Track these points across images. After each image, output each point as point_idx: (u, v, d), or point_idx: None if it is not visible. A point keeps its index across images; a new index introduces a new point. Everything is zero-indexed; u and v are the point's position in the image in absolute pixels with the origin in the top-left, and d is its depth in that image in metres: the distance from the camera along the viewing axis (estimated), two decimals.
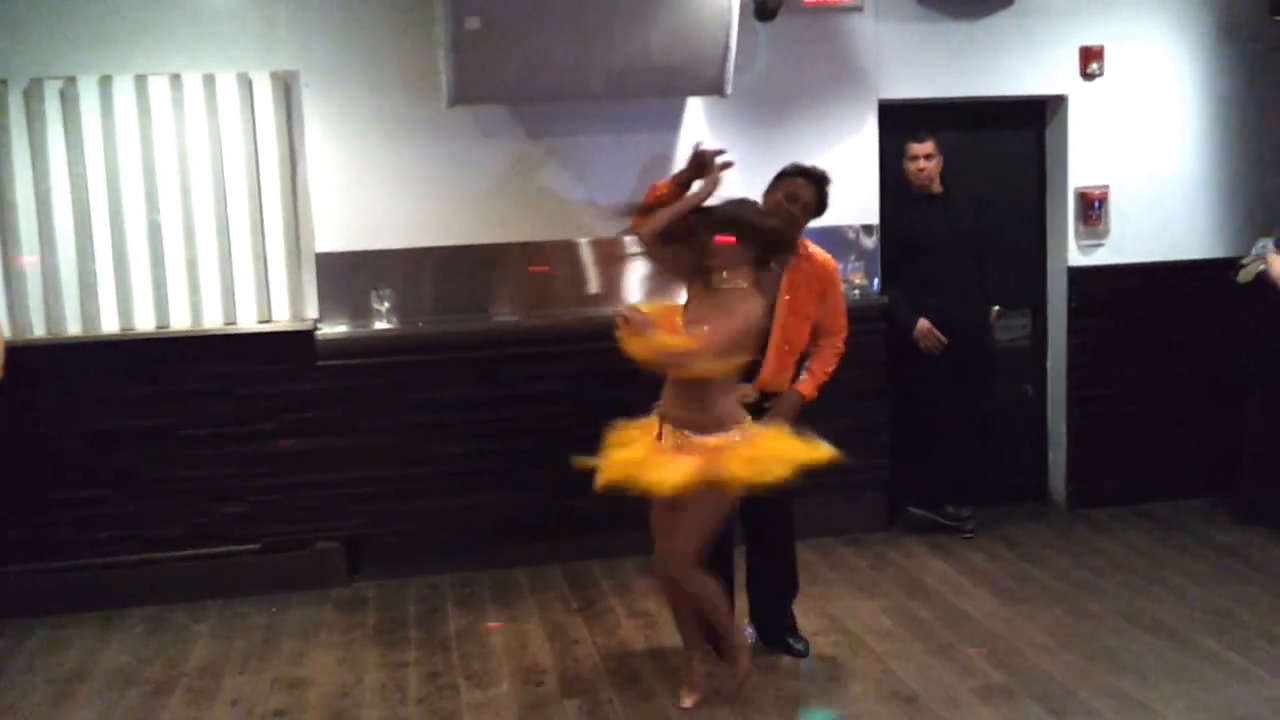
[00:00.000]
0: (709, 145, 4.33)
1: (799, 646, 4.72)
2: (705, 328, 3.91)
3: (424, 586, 5.66)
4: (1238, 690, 4.28)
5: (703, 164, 4.25)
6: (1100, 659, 4.59)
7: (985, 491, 6.39)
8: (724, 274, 3.99)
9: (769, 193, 4.53)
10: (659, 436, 4.04)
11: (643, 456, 3.98)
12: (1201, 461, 6.58)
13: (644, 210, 4.31)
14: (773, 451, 3.97)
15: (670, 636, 4.92)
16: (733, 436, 3.96)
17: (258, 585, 5.60)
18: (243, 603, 5.48)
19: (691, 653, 4.34)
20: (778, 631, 4.78)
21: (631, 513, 5.83)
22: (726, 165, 4.24)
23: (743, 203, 4.11)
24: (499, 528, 5.87)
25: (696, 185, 4.28)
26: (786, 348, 4.53)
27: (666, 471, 3.88)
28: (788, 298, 4.53)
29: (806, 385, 4.56)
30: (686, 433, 3.96)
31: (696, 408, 3.96)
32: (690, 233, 4.05)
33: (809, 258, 4.59)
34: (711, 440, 3.94)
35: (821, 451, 3.97)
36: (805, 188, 4.49)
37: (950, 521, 6.17)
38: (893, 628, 4.95)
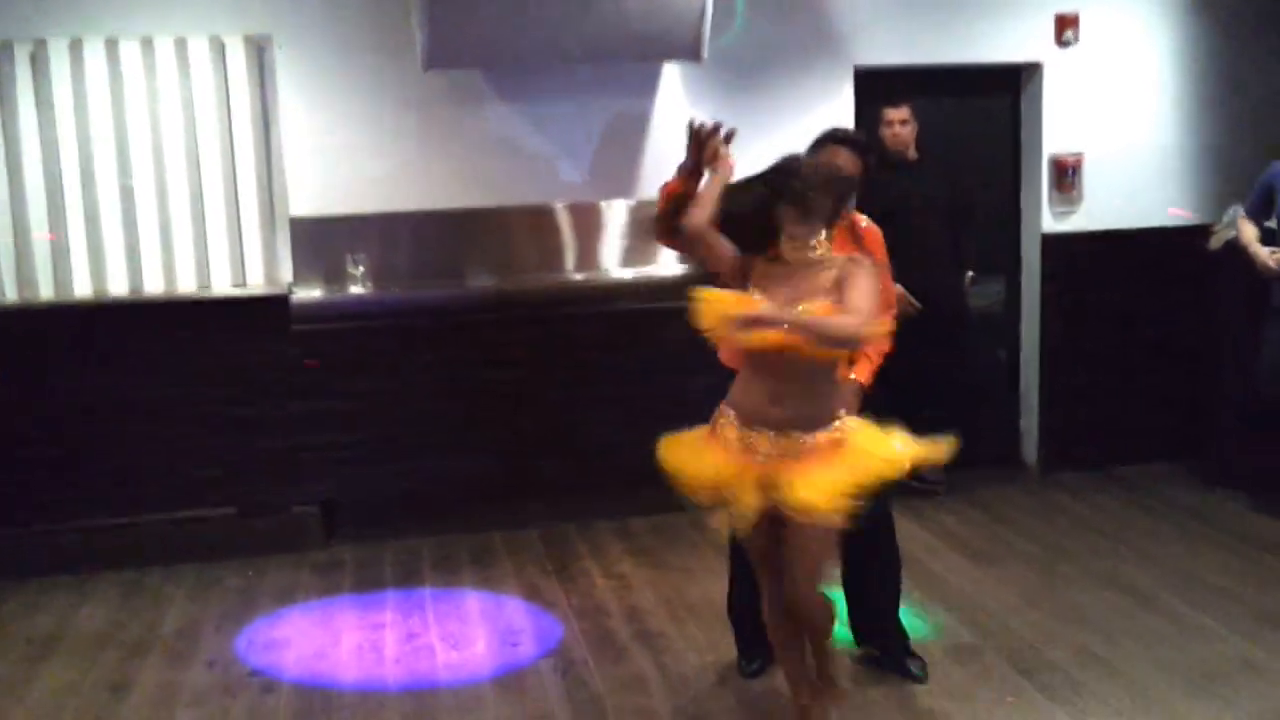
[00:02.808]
0: (697, 116, 3.70)
1: (915, 669, 4.19)
2: (822, 302, 3.27)
3: (401, 550, 5.68)
4: (1201, 649, 4.35)
5: (702, 143, 3.60)
6: (1067, 618, 4.66)
7: (958, 455, 6.42)
8: (799, 243, 3.36)
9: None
10: (746, 448, 3.38)
11: (739, 477, 3.34)
12: (1171, 426, 6.65)
13: (663, 213, 3.75)
14: (890, 444, 3.40)
15: (644, 598, 4.98)
16: (844, 428, 3.38)
17: (234, 549, 5.61)
18: (219, 566, 5.50)
19: (801, 695, 3.69)
20: (889, 649, 4.26)
21: (604, 478, 5.92)
22: (729, 137, 3.60)
23: (794, 162, 3.48)
24: (476, 492, 5.90)
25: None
26: None
27: (808, 487, 3.25)
28: None
29: (862, 370, 3.91)
30: (796, 434, 3.32)
31: (807, 401, 3.35)
32: (745, 216, 3.44)
33: (855, 228, 4.05)
34: (825, 436, 3.34)
35: (936, 447, 3.44)
36: (846, 158, 3.88)
37: (923, 485, 6.22)
38: None
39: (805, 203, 3.33)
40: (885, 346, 3.97)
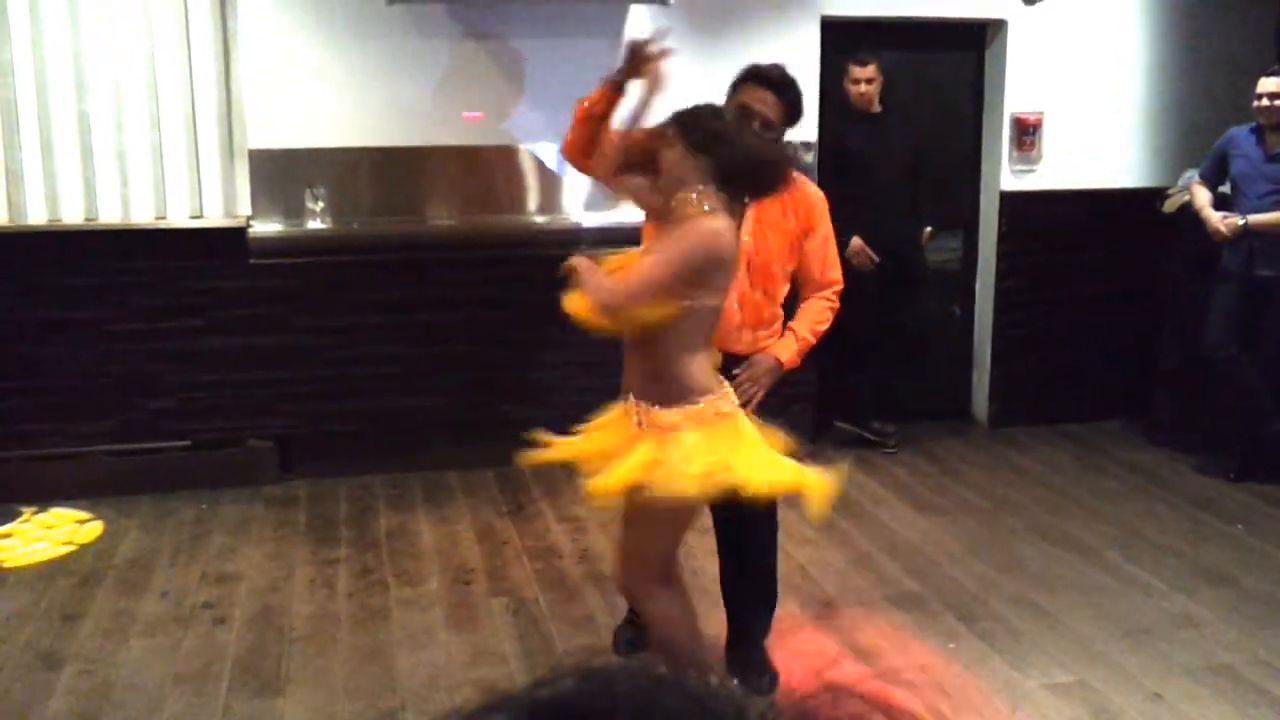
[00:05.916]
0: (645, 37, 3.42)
1: (763, 683, 3.60)
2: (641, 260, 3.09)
3: (355, 486, 5.70)
4: (1138, 602, 4.47)
5: (638, 59, 3.34)
6: (1010, 570, 4.77)
7: (910, 408, 6.54)
8: (677, 197, 3.07)
9: (725, 104, 3.58)
10: (628, 415, 3.16)
11: (609, 444, 3.11)
12: (1120, 385, 6.77)
13: (576, 130, 3.44)
14: (734, 451, 3.02)
15: (597, 540, 5.03)
16: (693, 412, 3.01)
17: (188, 481, 5.60)
18: (173, 498, 5.49)
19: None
20: (742, 660, 3.75)
21: (561, 420, 5.93)
22: (663, 54, 3.32)
23: (705, 110, 3.18)
24: (431, 430, 5.91)
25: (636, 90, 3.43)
26: (760, 296, 3.62)
27: (620, 460, 3.02)
28: (749, 236, 3.57)
29: (787, 349, 3.60)
30: (644, 405, 3.07)
31: (650, 372, 3.08)
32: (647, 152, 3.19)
33: (800, 193, 3.63)
34: (667, 416, 3.02)
35: (804, 477, 3.03)
36: (765, 98, 3.53)
37: (875, 436, 6.31)
38: (815, 536, 5.07)
39: (655, 158, 3.09)
40: (823, 325, 3.71)
